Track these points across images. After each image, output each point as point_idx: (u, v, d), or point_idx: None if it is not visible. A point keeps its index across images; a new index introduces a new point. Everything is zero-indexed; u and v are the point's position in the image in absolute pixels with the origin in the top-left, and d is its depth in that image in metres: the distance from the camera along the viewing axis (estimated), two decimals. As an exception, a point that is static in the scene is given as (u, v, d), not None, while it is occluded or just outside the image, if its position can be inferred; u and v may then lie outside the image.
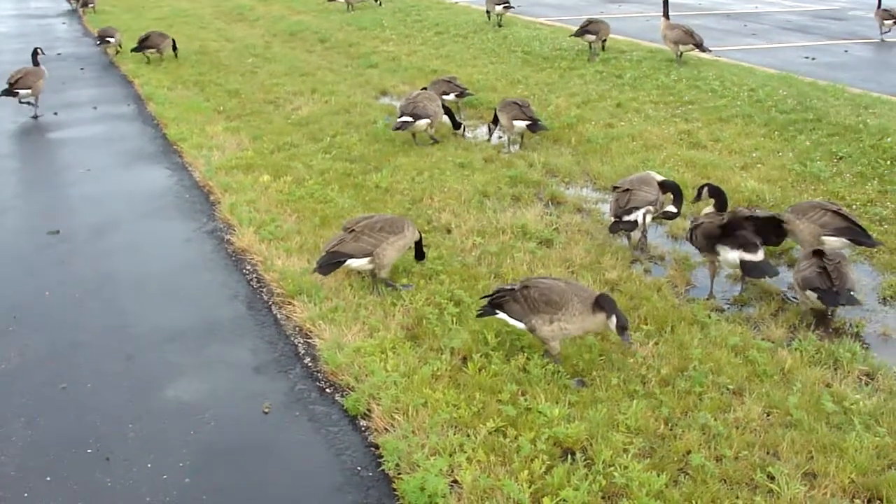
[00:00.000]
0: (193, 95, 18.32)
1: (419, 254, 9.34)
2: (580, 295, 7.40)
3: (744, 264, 8.79)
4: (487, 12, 26.13)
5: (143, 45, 21.75)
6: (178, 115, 16.34)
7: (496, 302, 7.69)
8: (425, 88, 15.07)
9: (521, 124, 13.70)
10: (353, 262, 8.69)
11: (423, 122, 13.91)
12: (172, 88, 18.80)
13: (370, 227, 8.78)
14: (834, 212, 9.29)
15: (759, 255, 8.76)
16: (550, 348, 7.54)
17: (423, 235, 9.44)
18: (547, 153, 13.79)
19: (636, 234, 10.19)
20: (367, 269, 8.87)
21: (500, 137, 14.70)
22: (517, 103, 13.90)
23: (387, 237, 8.73)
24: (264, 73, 20.39)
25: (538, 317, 7.37)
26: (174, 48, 22.03)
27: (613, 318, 7.32)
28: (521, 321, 7.53)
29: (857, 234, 9.17)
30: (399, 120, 13.94)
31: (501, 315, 7.66)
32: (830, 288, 8.32)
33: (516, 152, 13.96)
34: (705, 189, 9.85)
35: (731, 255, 8.82)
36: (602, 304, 7.37)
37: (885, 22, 24.00)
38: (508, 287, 7.69)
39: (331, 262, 8.66)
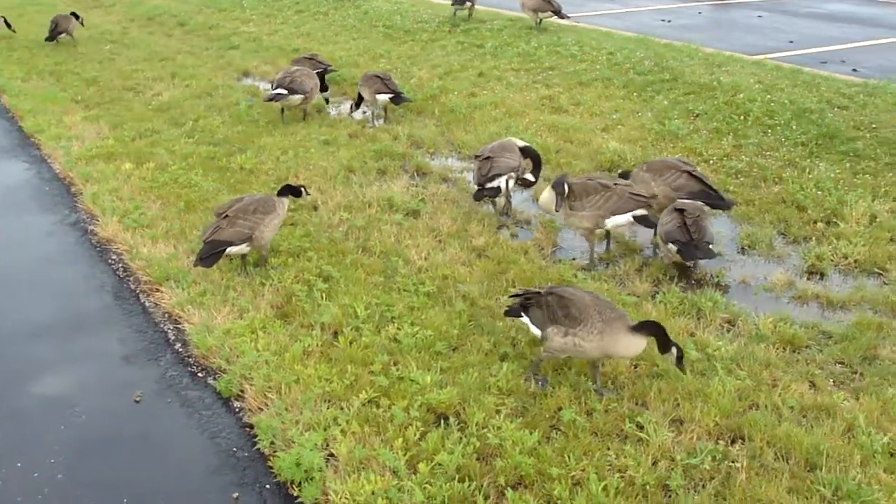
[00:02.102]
0: (49, 86, 17.78)
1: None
2: (604, 314, 6.68)
3: (639, 219, 9.01)
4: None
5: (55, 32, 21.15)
6: (33, 107, 15.84)
7: (524, 304, 7.14)
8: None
9: (383, 97, 13.69)
10: (232, 249, 8.57)
11: (297, 98, 13.84)
12: (27, 80, 18.21)
13: (243, 210, 8.66)
14: (689, 173, 9.52)
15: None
16: (545, 357, 7.01)
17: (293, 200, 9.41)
18: (411, 125, 13.82)
19: (501, 201, 10.30)
20: (246, 252, 8.79)
21: (364, 113, 14.66)
22: (379, 77, 13.88)
23: (262, 218, 8.63)
24: (123, 59, 19.90)
25: (554, 326, 6.76)
26: (7, 24, 21.80)
27: (673, 350, 6.66)
28: (539, 328, 6.95)
29: (711, 198, 9.38)
30: (273, 91, 13.82)
31: (525, 319, 7.12)
32: (690, 241, 8.57)
33: (381, 126, 13.95)
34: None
35: (620, 219, 8.96)
36: (646, 329, 6.66)
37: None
38: (535, 290, 7.15)
39: (212, 253, 8.47)
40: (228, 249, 8.54)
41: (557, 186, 8.86)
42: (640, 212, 8.92)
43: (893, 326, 7.95)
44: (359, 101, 14.15)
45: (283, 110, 14.36)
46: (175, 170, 11.96)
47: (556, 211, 8.95)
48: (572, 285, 7.85)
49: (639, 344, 6.64)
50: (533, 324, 7.01)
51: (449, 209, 10.42)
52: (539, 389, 6.91)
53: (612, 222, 8.87)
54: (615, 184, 8.97)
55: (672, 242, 8.66)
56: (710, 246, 8.73)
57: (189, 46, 21.27)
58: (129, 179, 11.80)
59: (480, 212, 10.35)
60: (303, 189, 9.37)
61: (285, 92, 13.72)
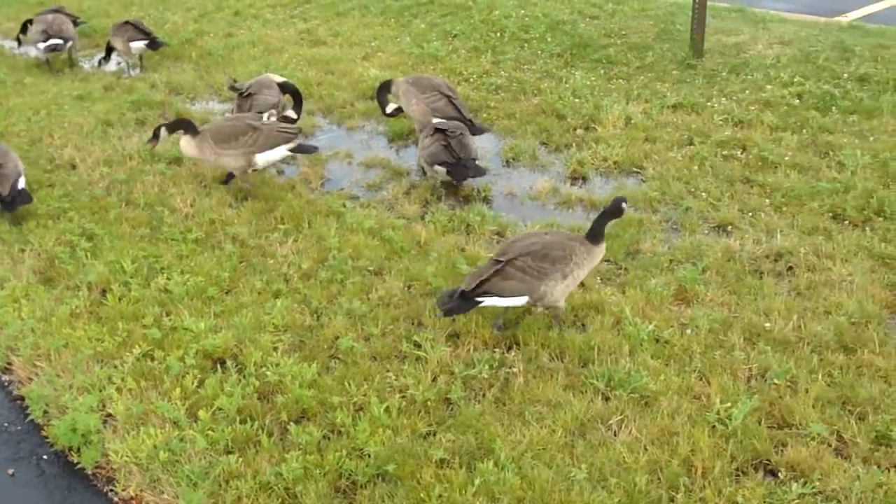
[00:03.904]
0: None
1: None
2: (571, 237, 6.65)
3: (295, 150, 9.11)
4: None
5: None
6: None
7: (475, 292, 6.44)
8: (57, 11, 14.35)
9: (138, 45, 13.22)
10: None
11: (70, 44, 13.66)
12: None
13: None
14: (448, 98, 9.63)
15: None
16: (558, 310, 6.66)
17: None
18: (169, 72, 13.42)
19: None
20: None
21: (118, 64, 14.12)
22: (131, 23, 13.37)
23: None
24: None
25: (549, 279, 6.39)
26: None
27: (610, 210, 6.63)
28: (522, 295, 6.45)
29: (465, 125, 9.35)
30: (51, 42, 13.38)
31: (489, 301, 6.46)
32: (458, 161, 8.67)
33: (137, 76, 13.47)
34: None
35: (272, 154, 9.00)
36: (598, 234, 6.62)
37: None
38: (489, 268, 6.46)
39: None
40: None
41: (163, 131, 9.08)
42: (292, 144, 8.96)
43: (653, 221, 8.31)
44: (108, 51, 13.63)
45: (48, 61, 13.91)
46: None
47: (199, 155, 8.95)
48: (517, 237, 6.99)
49: (603, 248, 6.70)
50: (509, 296, 6.46)
51: (213, 153, 10.19)
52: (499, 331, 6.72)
53: (263, 157, 8.86)
54: (263, 123, 8.99)
55: (439, 164, 8.75)
56: (477, 162, 8.87)
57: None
58: None
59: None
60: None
61: (61, 41, 13.45)
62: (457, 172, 8.74)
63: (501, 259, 6.45)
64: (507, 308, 6.69)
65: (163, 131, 9.02)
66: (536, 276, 6.40)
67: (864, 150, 9.28)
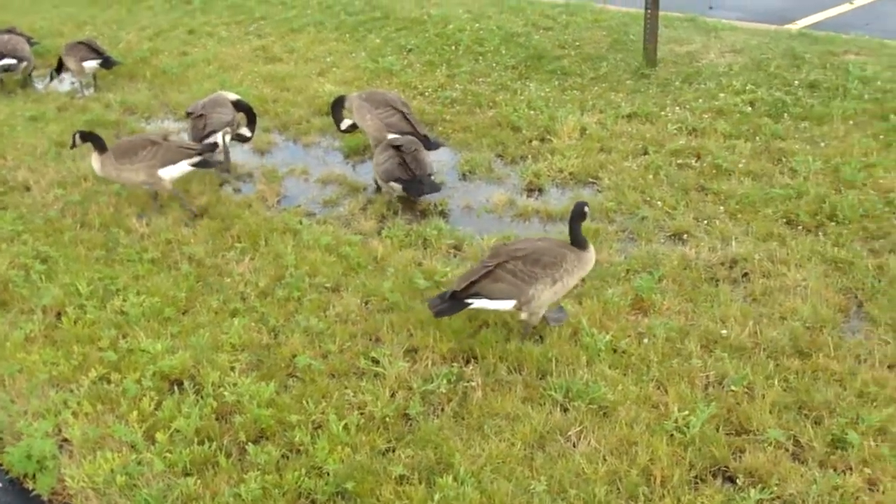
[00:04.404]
0: None
1: None
2: (563, 244, 6.70)
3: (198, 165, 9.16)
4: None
5: None
6: None
7: (465, 293, 6.50)
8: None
9: (91, 64, 13.15)
10: None
11: (24, 64, 13.56)
12: None
13: None
14: (402, 114, 9.64)
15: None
16: (534, 319, 6.67)
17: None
18: (123, 91, 13.34)
19: (219, 156, 10.09)
20: None
21: (72, 84, 14.03)
22: (83, 43, 13.32)
23: None
24: None
25: (538, 284, 6.43)
26: None
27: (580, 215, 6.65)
28: (510, 299, 6.48)
29: (419, 140, 9.39)
30: (5, 62, 13.34)
31: (478, 303, 6.52)
32: (414, 178, 8.69)
33: (91, 95, 13.39)
34: None
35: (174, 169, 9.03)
36: (582, 240, 6.69)
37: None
38: (479, 270, 6.54)
39: None
40: None
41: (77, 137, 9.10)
42: (195, 160, 9.01)
43: (609, 231, 8.35)
44: (58, 67, 13.55)
45: (1, 81, 13.89)
46: None
47: (102, 173, 8.99)
48: (509, 242, 7.20)
49: (593, 252, 6.77)
50: (497, 299, 6.50)
51: (168, 172, 10.13)
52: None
53: (166, 172, 8.88)
54: (165, 139, 9.11)
55: (395, 181, 8.76)
56: (433, 178, 8.89)
57: None
58: None
59: (200, 171, 10.09)
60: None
61: (14, 61, 13.42)
62: (412, 189, 8.76)
63: (491, 263, 6.52)
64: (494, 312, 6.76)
65: (77, 137, 9.05)
66: (526, 281, 6.44)
67: (815, 155, 9.38)
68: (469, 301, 6.49)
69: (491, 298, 6.50)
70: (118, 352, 6.78)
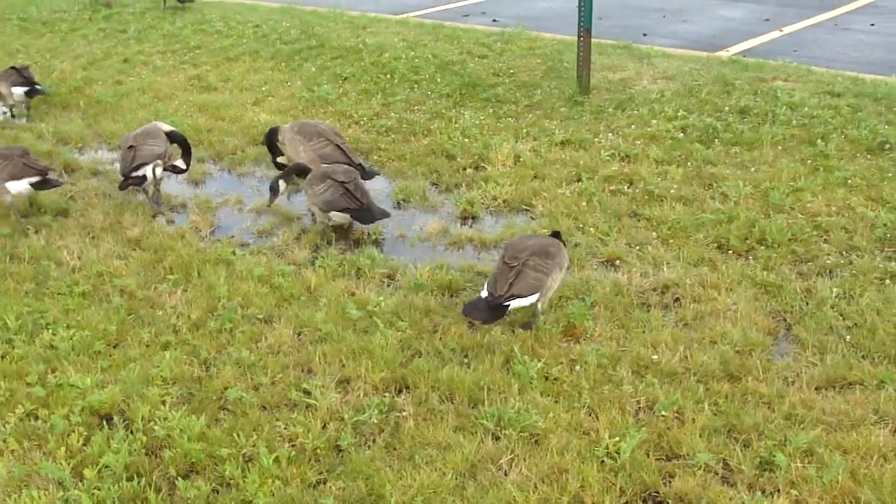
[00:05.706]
0: None
1: None
2: (544, 237, 7.48)
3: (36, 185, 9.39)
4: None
5: None
6: None
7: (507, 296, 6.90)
8: None
9: (20, 90, 13.03)
10: None
11: None
12: None
13: None
14: (336, 146, 9.67)
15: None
16: (542, 310, 7.22)
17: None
18: (56, 121, 13.18)
19: (151, 189, 10.00)
20: None
21: (4, 113, 13.86)
22: (15, 69, 13.19)
23: None
24: None
25: (553, 274, 7.06)
26: None
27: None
28: (535, 293, 7.00)
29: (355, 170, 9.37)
30: None
31: (517, 302, 6.96)
32: (362, 206, 8.70)
33: (23, 125, 13.21)
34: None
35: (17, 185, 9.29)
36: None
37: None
38: (508, 271, 6.94)
39: None
40: None
41: None
42: (35, 179, 9.27)
43: (543, 257, 8.39)
44: None
45: None
46: None
47: None
48: (511, 241, 7.53)
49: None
50: (527, 296, 6.97)
51: (101, 203, 10.02)
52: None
53: (13, 187, 9.17)
54: (18, 155, 9.31)
55: (341, 211, 8.74)
56: (380, 207, 8.97)
57: None
58: None
59: (134, 202, 10.03)
60: None
61: None
62: (363, 217, 8.80)
63: (514, 262, 6.96)
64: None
65: None
66: (545, 273, 6.96)
67: (745, 180, 9.54)
68: (507, 304, 6.90)
69: (523, 297, 6.93)
70: (47, 387, 6.67)
